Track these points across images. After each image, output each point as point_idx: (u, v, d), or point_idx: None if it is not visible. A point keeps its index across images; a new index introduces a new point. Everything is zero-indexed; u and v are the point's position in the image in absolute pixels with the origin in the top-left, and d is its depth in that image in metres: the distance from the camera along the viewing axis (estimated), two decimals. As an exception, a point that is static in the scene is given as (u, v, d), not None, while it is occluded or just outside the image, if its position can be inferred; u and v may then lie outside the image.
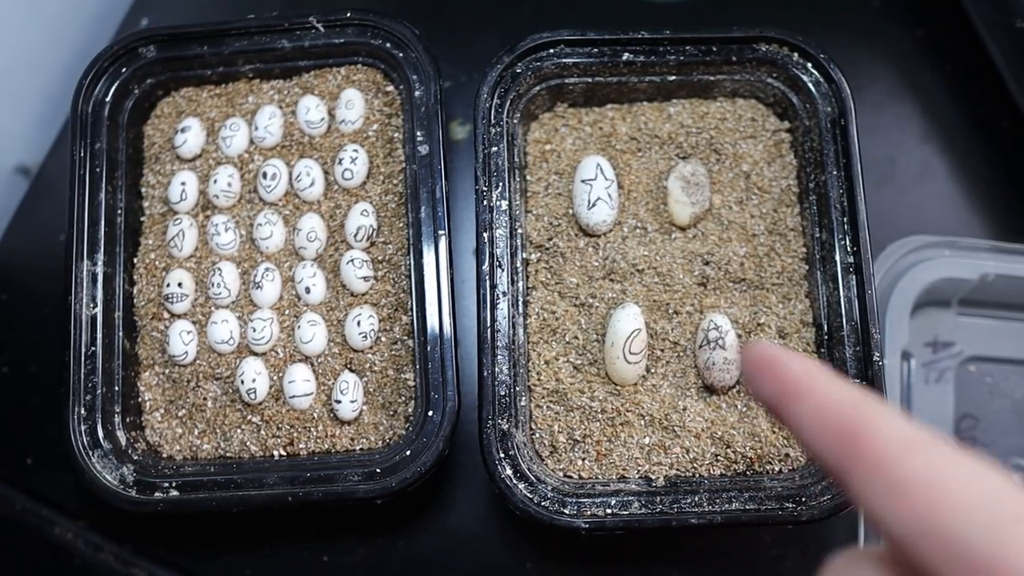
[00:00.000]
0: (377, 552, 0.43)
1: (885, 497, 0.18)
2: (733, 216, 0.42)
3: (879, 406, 0.20)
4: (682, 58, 0.42)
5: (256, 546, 0.44)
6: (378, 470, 0.38)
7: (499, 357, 0.39)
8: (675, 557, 0.44)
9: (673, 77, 0.43)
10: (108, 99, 0.42)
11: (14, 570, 0.45)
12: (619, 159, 0.43)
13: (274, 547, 0.44)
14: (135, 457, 0.40)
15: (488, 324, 0.39)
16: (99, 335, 0.40)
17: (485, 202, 0.40)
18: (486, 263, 0.39)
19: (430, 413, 0.38)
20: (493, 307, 0.39)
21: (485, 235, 0.39)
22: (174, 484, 0.39)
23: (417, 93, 0.41)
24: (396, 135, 0.42)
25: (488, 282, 0.39)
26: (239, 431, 0.41)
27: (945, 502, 0.17)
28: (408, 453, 0.38)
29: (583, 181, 0.41)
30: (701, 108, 0.43)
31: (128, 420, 0.41)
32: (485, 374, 0.38)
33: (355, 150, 0.42)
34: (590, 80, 0.42)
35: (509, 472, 0.38)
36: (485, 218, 0.40)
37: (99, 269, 0.41)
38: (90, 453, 0.39)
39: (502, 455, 0.38)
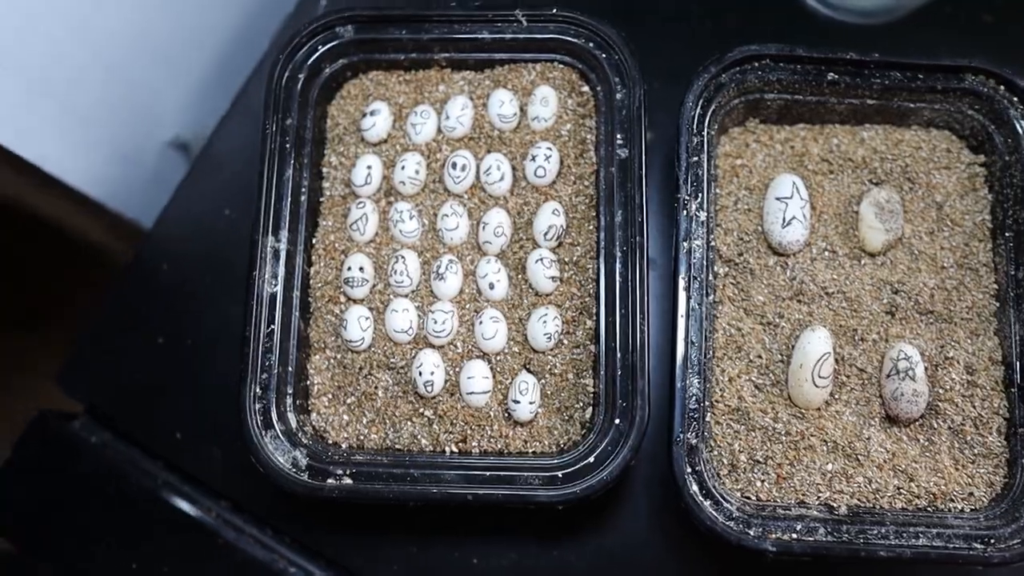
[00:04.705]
0: (529, 559, 0.42)
1: None
2: (923, 246, 0.41)
3: None
4: (886, 82, 0.41)
5: (402, 543, 0.43)
6: (559, 475, 0.37)
7: (691, 371, 0.38)
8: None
9: (872, 101, 0.42)
10: (301, 76, 0.42)
11: (155, 544, 0.44)
12: (811, 179, 0.42)
13: (421, 545, 0.43)
14: (304, 441, 0.39)
15: (684, 336, 0.38)
16: (278, 314, 0.40)
17: (685, 212, 0.39)
18: (684, 274, 0.38)
19: (616, 421, 0.37)
20: (688, 319, 0.38)
21: (684, 245, 0.39)
22: (347, 472, 0.38)
23: (618, 96, 0.41)
24: (589, 136, 0.42)
25: (685, 294, 0.38)
26: (409, 423, 0.40)
27: None
28: (592, 460, 0.37)
29: (777, 199, 0.41)
30: (895, 135, 0.43)
31: (297, 403, 0.40)
32: (678, 386, 0.37)
33: (548, 148, 0.41)
34: (789, 97, 0.42)
35: (696, 488, 0.37)
36: (685, 228, 0.39)
37: (282, 247, 0.40)
38: (263, 434, 0.38)
39: (690, 470, 0.37)
